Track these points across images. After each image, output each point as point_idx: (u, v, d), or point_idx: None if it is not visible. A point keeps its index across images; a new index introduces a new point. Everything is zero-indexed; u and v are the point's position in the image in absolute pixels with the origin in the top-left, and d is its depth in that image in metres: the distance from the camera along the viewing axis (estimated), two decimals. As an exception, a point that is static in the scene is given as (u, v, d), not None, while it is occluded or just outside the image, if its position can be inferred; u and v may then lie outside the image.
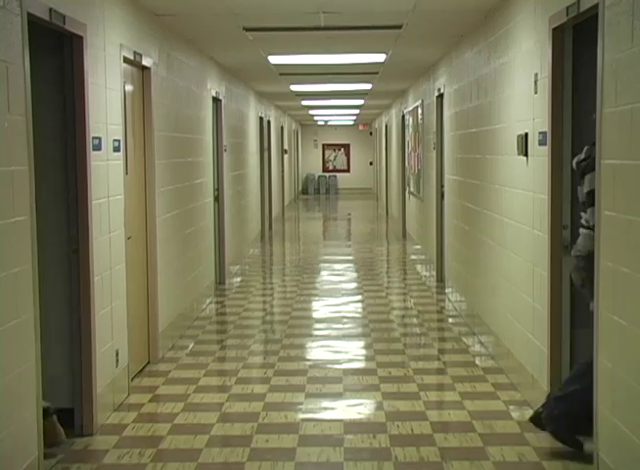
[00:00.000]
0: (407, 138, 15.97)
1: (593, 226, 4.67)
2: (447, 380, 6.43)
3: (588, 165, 4.61)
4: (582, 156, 4.70)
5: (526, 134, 5.77)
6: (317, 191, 35.41)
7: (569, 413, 4.74)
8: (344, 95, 17.46)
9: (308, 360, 7.07)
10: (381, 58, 10.68)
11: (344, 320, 8.70)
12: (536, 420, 4.92)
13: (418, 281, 11.28)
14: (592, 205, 4.54)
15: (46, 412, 4.78)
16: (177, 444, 5.08)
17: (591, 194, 4.56)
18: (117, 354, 5.77)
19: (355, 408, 5.76)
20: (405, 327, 8.46)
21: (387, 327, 8.35)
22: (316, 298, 10.18)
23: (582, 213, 4.77)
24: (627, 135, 3.86)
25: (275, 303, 10.23)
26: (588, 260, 4.68)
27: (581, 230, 4.78)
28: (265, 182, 17.91)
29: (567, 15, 4.74)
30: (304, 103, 19.85)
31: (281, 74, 12.64)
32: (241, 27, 8.05)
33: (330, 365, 6.89)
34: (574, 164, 4.79)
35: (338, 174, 35.82)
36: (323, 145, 36.01)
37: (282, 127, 23.60)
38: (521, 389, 5.98)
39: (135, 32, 6.48)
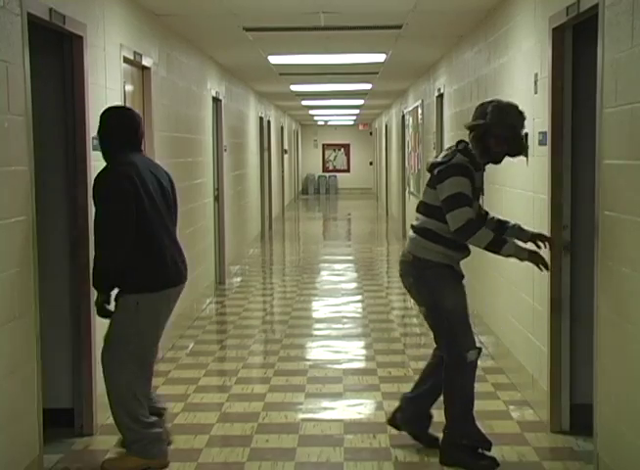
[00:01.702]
0: (407, 138, 15.97)
1: (422, 229, 4.63)
2: (447, 380, 6.43)
3: (446, 171, 4.52)
4: (440, 159, 4.62)
5: (526, 134, 5.77)
6: (317, 191, 35.39)
7: (418, 414, 4.94)
8: (344, 95, 17.46)
9: (308, 360, 7.07)
10: (381, 58, 10.68)
11: (344, 320, 8.70)
12: (392, 421, 5.03)
13: (418, 281, 11.26)
14: (449, 210, 4.46)
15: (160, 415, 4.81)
16: (177, 444, 5.07)
17: (449, 200, 4.46)
18: (117, 354, 5.76)
19: (355, 408, 5.76)
20: (405, 327, 8.47)
21: (387, 327, 8.35)
22: (316, 298, 10.18)
23: (418, 215, 4.69)
24: (627, 135, 3.86)
25: (275, 303, 10.24)
26: (412, 265, 4.68)
27: (409, 234, 4.76)
28: (265, 182, 17.91)
29: (567, 15, 4.74)
30: (304, 103, 19.85)
31: (281, 74, 12.64)
32: (241, 27, 8.05)
33: (330, 365, 6.89)
34: (428, 165, 4.69)
35: (338, 174, 35.81)
36: (323, 145, 36.00)
37: (282, 127, 23.59)
38: (521, 389, 5.98)
39: (135, 32, 6.48)
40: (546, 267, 4.63)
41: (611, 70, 4.06)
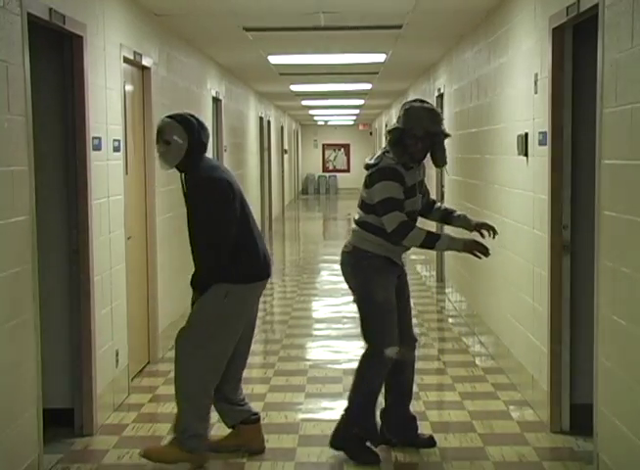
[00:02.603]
0: (407, 138, 15.95)
1: (362, 222, 4.80)
2: (447, 380, 6.43)
3: (376, 176, 4.66)
4: (372, 161, 4.74)
5: (526, 134, 5.77)
6: (317, 191, 35.41)
7: (400, 419, 4.94)
8: (344, 95, 17.46)
9: (308, 360, 7.07)
10: (381, 58, 10.68)
11: (344, 320, 8.70)
12: (382, 439, 4.96)
13: (418, 281, 11.28)
14: (382, 215, 4.62)
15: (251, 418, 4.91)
16: (177, 444, 5.07)
17: (380, 205, 4.63)
18: (117, 355, 5.77)
19: (355, 408, 5.75)
20: (405, 327, 8.45)
21: (387, 327, 8.32)
22: (316, 298, 10.18)
23: (359, 210, 4.86)
24: (627, 135, 3.86)
25: (275, 303, 10.23)
26: (351, 254, 4.84)
27: (352, 227, 4.92)
28: (265, 182, 17.91)
29: (567, 15, 4.74)
30: (304, 103, 19.85)
31: (281, 74, 12.64)
32: (241, 27, 8.05)
33: (330, 365, 6.89)
34: (364, 165, 4.82)
35: (338, 174, 35.83)
36: (323, 145, 36.01)
37: (282, 127, 23.60)
38: (521, 389, 5.98)
39: (135, 32, 6.48)
40: (485, 254, 4.66)
41: (611, 70, 4.06)
